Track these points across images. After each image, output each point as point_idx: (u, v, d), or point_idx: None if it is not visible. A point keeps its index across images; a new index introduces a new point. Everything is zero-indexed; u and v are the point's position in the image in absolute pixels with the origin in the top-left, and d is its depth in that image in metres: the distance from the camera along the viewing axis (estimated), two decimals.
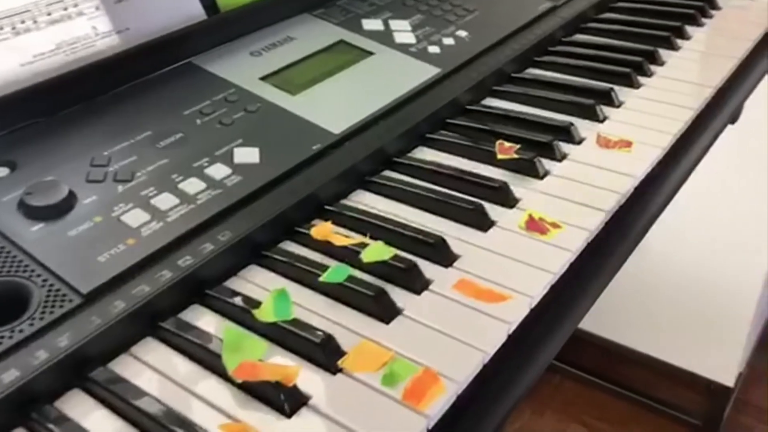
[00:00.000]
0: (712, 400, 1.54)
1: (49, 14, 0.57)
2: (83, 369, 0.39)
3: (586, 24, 0.82)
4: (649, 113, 0.64)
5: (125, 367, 0.40)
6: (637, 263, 1.45)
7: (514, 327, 0.42)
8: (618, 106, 0.65)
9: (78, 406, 0.38)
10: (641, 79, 0.69)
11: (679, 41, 0.77)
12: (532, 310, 0.44)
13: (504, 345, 0.41)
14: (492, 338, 0.41)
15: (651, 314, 1.55)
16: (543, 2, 0.81)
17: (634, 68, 0.70)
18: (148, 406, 0.37)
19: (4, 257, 0.43)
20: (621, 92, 0.67)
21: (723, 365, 1.50)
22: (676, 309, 1.50)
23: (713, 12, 0.85)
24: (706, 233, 1.38)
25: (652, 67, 0.72)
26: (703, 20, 0.82)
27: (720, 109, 0.68)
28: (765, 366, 1.66)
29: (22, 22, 0.55)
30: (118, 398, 0.38)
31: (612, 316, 1.57)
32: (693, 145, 0.63)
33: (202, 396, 0.38)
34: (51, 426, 0.37)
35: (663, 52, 0.74)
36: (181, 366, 0.40)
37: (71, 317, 0.40)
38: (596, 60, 0.72)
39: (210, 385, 0.39)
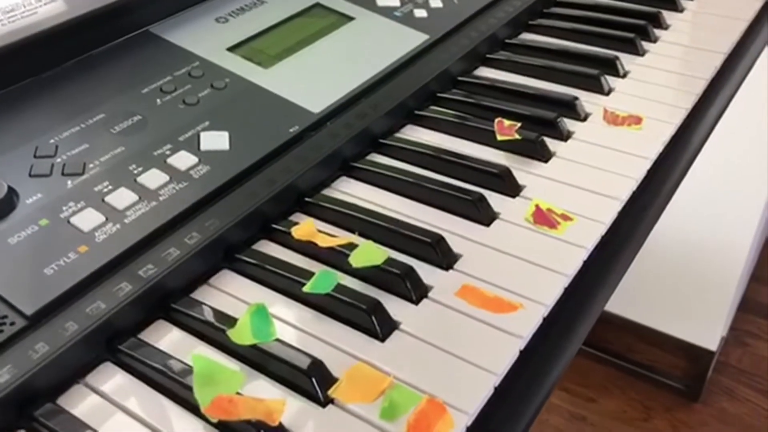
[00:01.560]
0: (695, 363, 1.53)
1: None
2: (28, 407, 0.34)
3: None
4: (657, 84, 0.58)
5: (79, 400, 0.35)
6: None
7: (525, 343, 0.37)
8: (623, 77, 0.60)
9: None
10: (645, 45, 0.64)
11: (683, 1, 0.71)
12: (545, 320, 0.39)
13: (516, 363, 0.36)
14: (503, 357, 0.36)
15: (633, 279, 1.52)
16: None
17: (638, 33, 0.64)
18: None
19: None
20: (625, 60, 0.61)
21: (706, 329, 1.49)
22: (659, 273, 1.48)
23: None
24: (690, 197, 1.35)
25: (657, 32, 0.66)
26: None
27: (730, 76, 0.63)
28: (745, 327, 1.66)
29: None
30: None
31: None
32: (705, 117, 0.58)
33: (148, 422, 0.33)
34: None
35: (667, 14, 0.68)
36: (145, 398, 0.35)
37: (13, 345, 0.34)
38: (596, 23, 0.66)
39: (180, 424, 0.33)
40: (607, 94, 0.57)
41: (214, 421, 0.32)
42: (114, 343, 0.37)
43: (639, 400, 1.58)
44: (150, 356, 0.36)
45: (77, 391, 0.35)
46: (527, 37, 0.66)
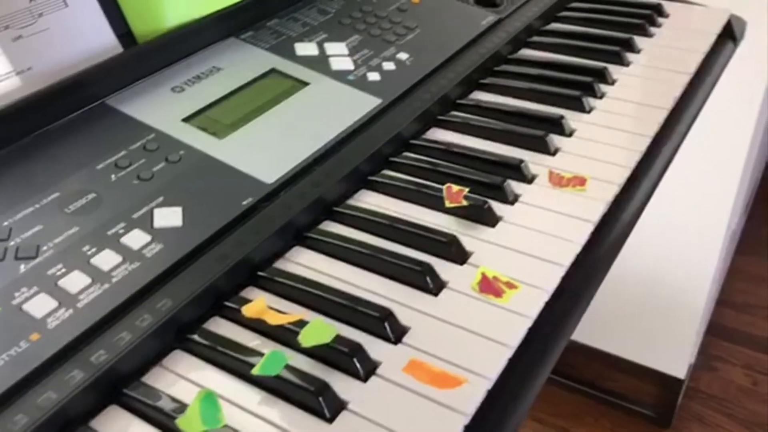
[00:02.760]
0: (665, 390, 1.55)
1: None
2: None
3: (532, 38, 0.78)
4: (602, 143, 0.60)
5: None
6: None
7: (469, 419, 0.38)
8: (569, 135, 0.62)
9: None
10: (592, 102, 0.66)
11: (629, 55, 0.74)
12: (489, 393, 0.40)
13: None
14: (448, 429, 0.37)
15: (601, 308, 1.55)
16: (487, 16, 0.76)
17: (584, 90, 0.66)
18: None
19: None
20: (572, 117, 0.63)
21: (674, 357, 1.51)
22: (626, 302, 1.50)
23: (661, 20, 0.82)
24: (656, 227, 1.38)
25: (603, 87, 0.68)
26: (652, 30, 0.79)
27: (675, 128, 0.65)
28: (714, 352, 1.68)
29: None
30: None
31: None
32: (649, 171, 0.60)
33: None
34: None
35: (613, 69, 0.71)
36: None
37: None
38: (544, 81, 0.68)
39: None
40: (553, 154, 0.59)
41: None
42: (67, 429, 0.37)
43: (611, 428, 1.60)
44: None
45: None
46: (478, 96, 0.68)
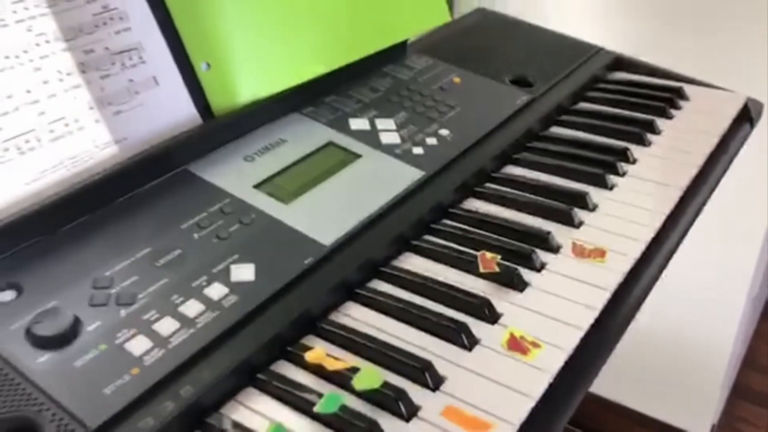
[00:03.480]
0: None
1: (51, 131, 0.59)
2: None
3: (562, 117, 0.86)
4: (621, 218, 0.68)
5: None
6: None
7: None
8: (593, 210, 0.69)
9: None
10: (614, 179, 0.73)
11: (650, 136, 0.81)
12: None
13: None
14: None
15: (627, 366, 1.59)
16: (521, 95, 0.85)
17: (607, 168, 0.74)
18: None
19: (14, 390, 0.45)
20: (595, 193, 0.71)
21: (697, 416, 1.54)
22: (652, 361, 1.54)
23: (682, 103, 0.89)
24: (681, 290, 1.43)
25: (625, 166, 0.76)
26: (673, 112, 0.87)
27: (689, 206, 0.72)
28: (738, 413, 1.70)
29: (27, 141, 0.58)
30: None
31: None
32: (663, 245, 0.67)
33: None
34: None
35: (634, 149, 0.78)
36: None
37: None
38: (571, 159, 0.76)
39: None
40: (578, 227, 0.66)
41: None
42: None
43: None
44: None
45: None
46: (511, 170, 0.76)
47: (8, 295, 0.52)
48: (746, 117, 0.90)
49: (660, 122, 0.84)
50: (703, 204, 0.75)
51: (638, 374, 1.59)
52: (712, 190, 0.79)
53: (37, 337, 0.48)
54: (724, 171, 0.82)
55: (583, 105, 0.89)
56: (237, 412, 0.48)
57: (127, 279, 0.54)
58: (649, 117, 0.84)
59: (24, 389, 0.46)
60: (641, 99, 0.88)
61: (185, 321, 0.51)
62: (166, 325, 0.50)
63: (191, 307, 0.52)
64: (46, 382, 0.46)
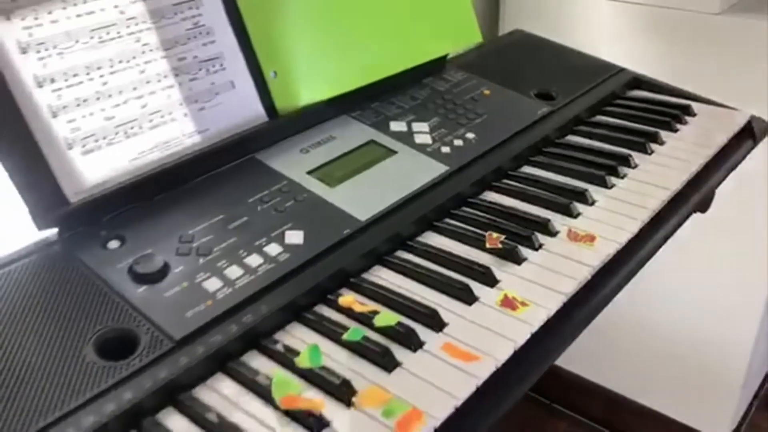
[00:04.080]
0: None
1: (150, 121, 0.75)
2: (174, 393, 0.56)
3: (578, 126, 0.98)
4: (614, 212, 0.80)
5: (207, 396, 0.57)
6: (640, 322, 1.60)
7: (481, 382, 0.58)
8: (591, 204, 0.81)
9: (170, 418, 0.55)
10: (614, 180, 0.85)
11: (653, 145, 0.93)
12: (497, 369, 0.60)
13: (472, 395, 0.57)
14: (464, 389, 0.57)
15: (650, 367, 1.68)
16: (542, 107, 0.97)
17: (608, 171, 0.86)
18: (219, 419, 0.54)
19: (120, 311, 0.61)
20: (595, 191, 0.83)
21: (717, 419, 1.62)
22: (674, 363, 1.63)
23: (689, 119, 1.00)
24: (700, 291, 1.52)
25: (626, 170, 0.87)
26: (678, 126, 0.98)
27: (675, 209, 0.83)
28: (762, 424, 1.77)
29: (132, 128, 0.74)
30: (199, 417, 0.55)
31: (617, 369, 1.71)
32: (648, 240, 0.78)
33: (252, 413, 0.55)
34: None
35: (637, 156, 0.90)
36: (239, 393, 0.57)
37: (167, 356, 0.58)
38: (579, 162, 0.88)
39: (257, 408, 0.55)
40: (575, 217, 0.79)
41: (283, 408, 0.54)
42: (225, 362, 0.59)
43: None
44: (247, 370, 0.58)
45: (201, 389, 0.58)
46: (526, 170, 0.89)
47: (115, 244, 0.67)
48: (749, 133, 1.01)
49: (665, 134, 0.95)
50: (693, 207, 0.86)
51: (659, 376, 1.67)
52: (705, 196, 0.90)
53: (137, 274, 0.64)
54: (720, 181, 0.92)
55: (599, 118, 1.01)
56: (287, 337, 0.62)
57: (205, 237, 0.69)
58: (654, 129, 0.95)
59: (127, 310, 0.61)
60: (651, 114, 1.00)
61: (248, 269, 0.66)
62: (234, 271, 0.65)
63: (253, 260, 0.67)
64: (143, 306, 0.61)
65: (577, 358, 1.78)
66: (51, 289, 0.63)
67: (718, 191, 0.94)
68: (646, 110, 1.01)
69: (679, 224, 0.84)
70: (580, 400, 1.82)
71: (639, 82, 1.10)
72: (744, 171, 1.01)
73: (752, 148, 1.01)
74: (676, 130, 0.97)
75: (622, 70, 1.11)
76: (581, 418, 1.83)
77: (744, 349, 1.52)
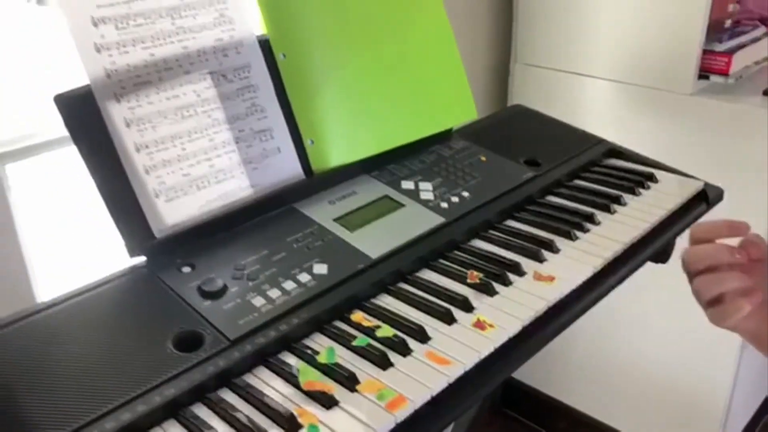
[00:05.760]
0: None
1: (216, 177, 0.99)
2: (229, 378, 0.79)
3: (558, 188, 1.20)
4: (574, 259, 1.00)
5: (252, 380, 0.79)
6: (633, 363, 1.78)
7: (452, 380, 0.79)
8: (556, 252, 1.02)
9: (225, 395, 0.77)
10: (578, 233, 1.06)
11: (615, 206, 1.14)
12: (465, 372, 0.81)
13: (444, 389, 0.78)
14: (438, 384, 0.78)
15: (636, 401, 1.85)
16: (527, 172, 1.19)
17: (574, 226, 1.07)
18: (260, 396, 0.76)
19: (192, 317, 0.84)
20: (561, 242, 1.04)
21: None
22: (658, 400, 1.80)
23: (651, 184, 1.21)
24: (682, 333, 1.69)
25: (590, 225, 1.08)
26: (641, 190, 1.19)
27: (627, 260, 1.04)
28: None
29: (202, 183, 0.98)
30: (246, 394, 0.77)
31: (611, 403, 1.89)
32: (600, 283, 0.99)
33: (282, 393, 0.76)
34: (209, 408, 0.76)
35: (600, 214, 1.11)
36: (275, 379, 0.79)
37: (224, 351, 0.80)
38: (552, 218, 1.09)
39: (286, 389, 0.77)
40: (541, 262, 1.00)
41: (305, 389, 0.76)
42: (266, 357, 0.81)
43: None
44: (282, 363, 0.80)
45: (248, 376, 0.80)
46: (509, 222, 1.10)
47: (187, 269, 0.90)
48: (703, 198, 1.21)
49: (627, 197, 1.16)
50: (645, 258, 1.07)
51: (648, 410, 1.84)
52: (659, 250, 1.10)
53: (203, 291, 0.87)
54: (670, 238, 1.13)
55: (576, 181, 1.23)
56: (309, 342, 0.84)
57: (253, 266, 0.92)
58: (618, 193, 1.16)
59: (196, 317, 0.84)
60: (619, 180, 1.21)
61: (285, 291, 0.88)
62: (274, 293, 0.88)
63: (289, 284, 0.89)
64: (208, 314, 0.84)
65: (587, 397, 1.96)
66: (141, 300, 0.86)
67: None
68: (615, 176, 1.22)
69: (631, 272, 1.04)
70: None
71: (616, 151, 1.32)
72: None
73: (705, 211, 1.21)
74: (638, 194, 1.18)
75: (601, 141, 1.33)
76: None
77: (722, 389, 1.68)
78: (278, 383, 0.78)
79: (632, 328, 1.75)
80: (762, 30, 1.79)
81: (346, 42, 1.11)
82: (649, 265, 1.10)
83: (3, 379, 0.74)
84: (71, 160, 0.93)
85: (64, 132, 0.90)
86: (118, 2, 0.91)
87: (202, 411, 0.75)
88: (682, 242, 1.14)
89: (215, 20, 1.00)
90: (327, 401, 0.75)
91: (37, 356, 0.76)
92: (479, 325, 0.87)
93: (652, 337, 1.73)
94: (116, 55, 0.91)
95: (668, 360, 1.74)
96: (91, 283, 0.87)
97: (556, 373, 2.10)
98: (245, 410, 0.74)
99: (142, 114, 0.93)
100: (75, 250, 1.30)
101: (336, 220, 1.02)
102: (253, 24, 1.05)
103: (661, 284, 1.63)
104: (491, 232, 1.08)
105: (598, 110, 1.63)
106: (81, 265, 1.31)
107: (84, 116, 0.90)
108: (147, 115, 0.94)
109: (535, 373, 2.15)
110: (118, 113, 0.91)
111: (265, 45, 1.06)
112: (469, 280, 0.94)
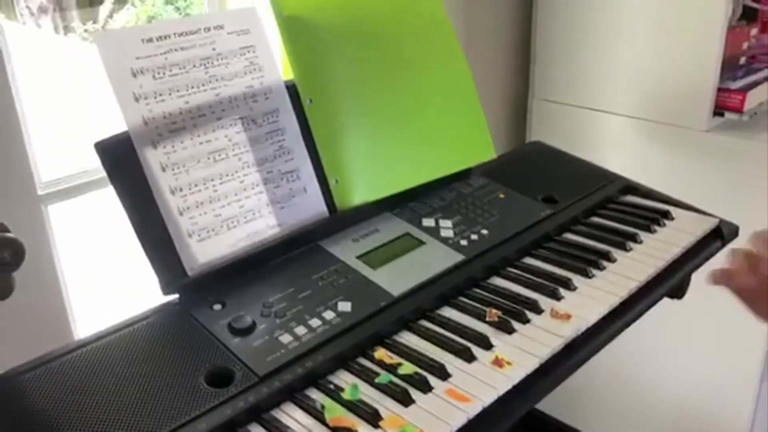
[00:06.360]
0: None
1: (245, 217, 1.04)
2: (259, 413, 0.82)
3: (575, 226, 1.23)
4: (590, 297, 1.03)
5: (280, 415, 0.83)
6: (652, 393, 1.79)
7: (471, 416, 0.82)
8: (573, 290, 1.05)
9: (255, 430, 0.81)
10: (594, 271, 1.09)
11: (631, 244, 1.16)
12: (484, 409, 0.84)
13: (464, 425, 0.81)
14: (458, 420, 0.81)
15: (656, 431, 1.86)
16: (545, 209, 1.23)
17: (590, 264, 1.10)
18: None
19: (222, 354, 0.88)
20: (577, 280, 1.07)
21: None
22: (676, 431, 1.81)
23: (667, 222, 1.24)
24: (701, 364, 1.71)
25: (605, 263, 1.11)
26: (656, 228, 1.22)
27: (642, 297, 1.06)
28: None
29: (232, 222, 1.02)
30: (275, 430, 0.80)
31: None
32: (616, 321, 1.02)
33: (309, 429, 0.80)
34: None
35: (616, 252, 1.14)
36: (302, 415, 0.83)
37: (254, 387, 0.84)
38: (569, 256, 1.12)
39: (313, 425, 0.81)
40: (558, 300, 1.03)
41: (332, 426, 0.79)
42: (293, 393, 0.85)
43: None
44: (305, 400, 0.84)
45: (276, 411, 0.83)
46: (526, 260, 1.13)
47: (218, 307, 0.95)
48: (719, 234, 1.23)
49: (643, 235, 1.19)
50: (661, 295, 1.09)
51: None
52: (675, 286, 1.12)
53: (233, 328, 0.91)
54: (686, 275, 1.15)
55: (593, 219, 1.26)
56: (334, 378, 0.88)
57: (281, 304, 0.96)
58: (634, 230, 1.19)
59: (226, 354, 0.88)
60: (634, 217, 1.24)
61: (311, 329, 0.92)
62: (300, 330, 0.92)
63: (314, 322, 0.93)
64: (238, 351, 0.88)
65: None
66: (175, 337, 0.90)
67: None
68: (631, 213, 1.25)
69: (647, 309, 1.07)
70: None
71: (632, 188, 1.35)
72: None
73: (721, 247, 1.23)
74: (654, 231, 1.21)
75: (618, 177, 1.36)
76: None
77: (743, 417, 1.69)
78: (305, 419, 0.82)
79: (651, 359, 1.77)
80: None
81: (369, 87, 1.16)
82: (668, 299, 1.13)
83: (44, 415, 0.78)
84: (109, 202, 0.98)
85: (102, 173, 0.95)
86: (155, 54, 0.97)
87: None
88: (697, 278, 1.18)
89: (245, 68, 1.06)
90: None
91: (76, 392, 0.81)
92: (497, 362, 0.90)
93: (671, 368, 1.75)
94: (153, 103, 0.96)
95: (687, 391, 1.76)
96: (127, 320, 0.92)
97: (575, 402, 2.11)
98: None
99: (177, 159, 0.98)
100: (112, 287, 1.35)
101: (359, 257, 1.06)
102: (280, 70, 1.10)
103: (680, 316, 1.65)
104: (509, 269, 1.11)
105: (614, 145, 1.66)
106: (117, 301, 1.36)
107: (122, 161, 0.95)
108: (181, 160, 0.99)
109: (555, 402, 2.17)
110: (154, 158, 0.96)
111: (291, 89, 1.11)
112: (488, 318, 0.98)
